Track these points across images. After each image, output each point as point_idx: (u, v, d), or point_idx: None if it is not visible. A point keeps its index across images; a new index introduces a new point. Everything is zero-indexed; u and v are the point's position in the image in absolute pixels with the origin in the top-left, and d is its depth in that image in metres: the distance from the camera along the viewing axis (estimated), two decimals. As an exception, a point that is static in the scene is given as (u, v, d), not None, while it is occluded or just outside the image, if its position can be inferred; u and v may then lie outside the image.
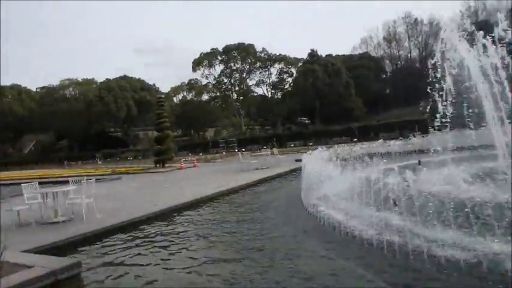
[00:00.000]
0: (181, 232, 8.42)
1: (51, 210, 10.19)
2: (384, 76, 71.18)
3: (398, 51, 70.21)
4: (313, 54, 61.56)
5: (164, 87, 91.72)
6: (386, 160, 10.04)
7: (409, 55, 69.69)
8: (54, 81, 73.35)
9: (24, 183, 10.79)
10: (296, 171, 17.91)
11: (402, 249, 5.49)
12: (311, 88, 57.19)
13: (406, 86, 58.49)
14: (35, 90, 77.64)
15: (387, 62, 71.37)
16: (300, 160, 18.83)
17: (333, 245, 6.53)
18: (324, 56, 62.67)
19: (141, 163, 38.10)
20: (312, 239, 7.20)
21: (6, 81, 76.73)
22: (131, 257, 6.86)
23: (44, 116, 68.75)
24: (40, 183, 11.76)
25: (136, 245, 7.69)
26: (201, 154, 45.48)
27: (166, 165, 30.15)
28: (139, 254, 7.03)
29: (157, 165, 30.59)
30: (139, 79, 71.54)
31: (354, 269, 5.44)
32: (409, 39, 67.99)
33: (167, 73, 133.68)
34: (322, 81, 57.12)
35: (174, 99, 75.01)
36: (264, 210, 10.12)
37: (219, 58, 63.98)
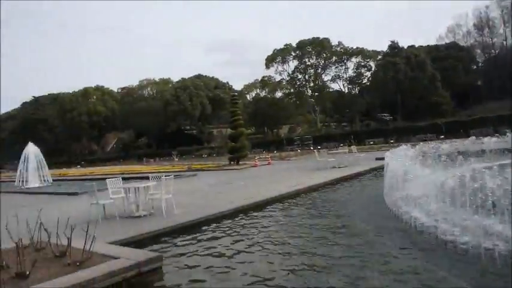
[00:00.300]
0: (258, 228, 8.50)
1: (133, 205, 10.90)
2: (475, 67, 65.73)
3: (492, 38, 64.36)
4: (393, 46, 58.82)
5: (237, 85, 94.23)
6: (479, 158, 9.25)
7: (504, 43, 63.59)
8: (134, 82, 78.68)
9: (108, 178, 11.63)
10: (376, 170, 17.32)
11: (505, 258, 4.98)
12: (392, 82, 54.70)
13: (501, 77, 53.42)
14: (116, 90, 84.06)
15: (478, 51, 65.75)
16: (381, 158, 18.17)
17: (425, 253, 6.11)
18: (405, 47, 59.59)
19: (215, 160, 39.35)
20: (397, 241, 6.84)
21: (91, 83, 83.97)
22: (208, 251, 7.05)
23: (124, 115, 74.07)
24: (123, 178, 12.59)
25: (214, 239, 7.91)
26: (275, 152, 45.82)
27: (240, 162, 30.77)
28: (216, 248, 7.21)
29: (232, 162, 31.32)
30: (213, 77, 74.02)
31: (454, 281, 4.99)
32: (504, 25, 62.04)
33: (240, 71, 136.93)
34: (404, 74, 54.33)
35: (247, 96, 76.48)
36: (344, 210, 9.88)
37: (293, 54, 63.73)
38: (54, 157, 64.70)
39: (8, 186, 30.05)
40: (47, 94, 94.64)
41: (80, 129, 76.95)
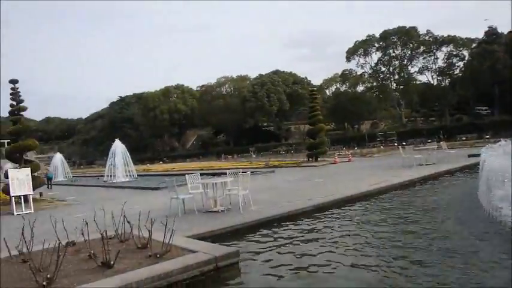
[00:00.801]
0: (336, 228, 8.22)
1: (211, 200, 11.19)
2: None
3: None
4: (491, 32, 53.82)
5: (316, 80, 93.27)
6: None
7: None
8: (212, 80, 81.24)
9: (187, 174, 12.06)
10: (470, 168, 16.04)
11: None
12: (488, 72, 50.19)
13: None
14: (195, 89, 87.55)
15: None
16: (475, 155, 16.76)
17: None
18: (505, 33, 54.19)
19: (293, 157, 39.27)
20: (501, 248, 6.17)
21: (172, 82, 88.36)
22: (286, 249, 6.94)
23: (203, 113, 76.87)
24: (201, 174, 13.00)
25: (292, 237, 7.80)
26: (355, 148, 44.50)
27: (319, 159, 30.36)
28: (295, 246, 7.08)
29: (310, 159, 31.01)
30: (290, 73, 73.91)
31: None
32: None
33: (319, 65, 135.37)
34: (503, 63, 49.53)
35: (327, 91, 75.15)
36: (435, 211, 9.21)
37: (376, 45, 61.08)
38: (138, 153, 69.31)
39: (98, 181, 32.78)
40: (131, 94, 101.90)
41: (162, 126, 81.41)
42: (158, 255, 5.90)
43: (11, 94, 17.54)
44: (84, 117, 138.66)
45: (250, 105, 66.87)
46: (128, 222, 6.76)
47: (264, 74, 72.73)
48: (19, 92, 17.56)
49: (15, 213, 14.33)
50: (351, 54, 62.23)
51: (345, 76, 66.76)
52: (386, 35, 59.41)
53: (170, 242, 6.08)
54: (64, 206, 16.03)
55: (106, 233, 6.24)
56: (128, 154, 31.59)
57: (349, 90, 66.84)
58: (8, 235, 9.88)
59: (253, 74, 77.11)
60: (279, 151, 56.02)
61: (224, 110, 71.12)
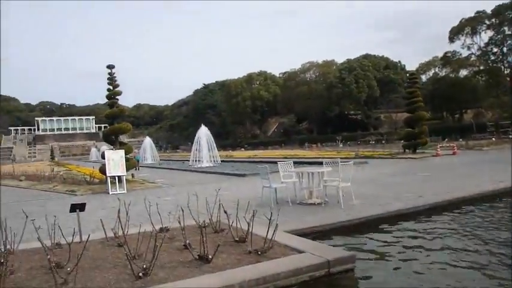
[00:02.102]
0: (462, 234, 7.01)
1: (305, 191, 10.45)
2: None
3: None
4: None
5: (408, 65, 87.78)
6: None
7: None
8: (296, 66, 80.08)
9: (271, 161, 11.42)
10: None
11: None
12: None
13: None
14: (278, 75, 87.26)
15: None
16: None
17: None
18: None
19: (384, 148, 37.18)
20: None
21: (255, 69, 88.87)
22: (406, 255, 5.97)
23: (286, 100, 76.29)
24: (296, 163, 12.30)
25: (412, 238, 6.81)
26: (460, 140, 40.70)
27: (417, 150, 28.29)
28: (418, 253, 6.07)
29: (407, 150, 28.98)
30: (382, 57, 70.26)
31: None
32: None
33: (410, 49, 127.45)
34: None
35: (423, 77, 70.06)
36: None
37: (487, 23, 54.77)
38: (220, 140, 70.83)
39: (183, 165, 33.75)
40: (214, 82, 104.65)
41: (244, 113, 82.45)
42: (259, 252, 5.29)
43: (108, 79, 18.54)
44: (170, 104, 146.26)
45: (337, 92, 64.72)
46: (225, 212, 6.24)
47: (352, 58, 69.96)
48: (115, 76, 18.50)
49: (110, 193, 14.91)
50: (454, 34, 56.48)
51: (446, 59, 60.96)
52: (500, 10, 52.88)
53: (273, 238, 5.44)
54: (154, 188, 16.37)
55: (204, 222, 5.77)
56: (213, 139, 32.03)
57: (451, 75, 61.35)
58: (104, 215, 10.06)
59: (339, 59, 74.73)
60: (368, 141, 53.70)
61: (308, 96, 69.84)
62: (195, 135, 32.80)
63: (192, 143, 33.14)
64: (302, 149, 51.77)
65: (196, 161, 31.28)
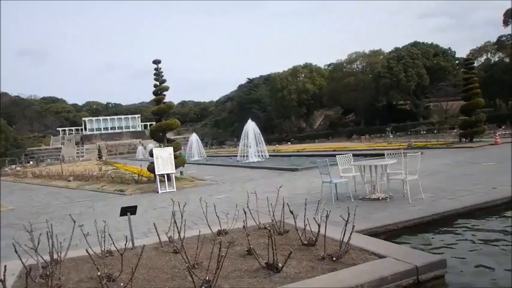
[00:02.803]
0: None
1: (367, 185, 9.66)
2: None
3: None
4: None
5: (459, 52, 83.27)
6: None
7: None
8: (342, 57, 77.92)
9: (335, 155, 10.69)
10: None
11: None
12: None
13: None
14: (323, 67, 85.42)
15: None
16: None
17: None
18: None
19: (437, 137, 35.19)
20: None
21: (300, 61, 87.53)
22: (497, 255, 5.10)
23: (332, 92, 74.51)
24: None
25: (497, 235, 5.91)
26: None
27: (474, 139, 26.52)
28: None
29: (463, 139, 27.21)
30: (431, 44, 66.84)
31: None
32: None
33: (461, 35, 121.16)
34: None
35: (474, 63, 66.18)
36: None
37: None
38: (266, 134, 70.09)
39: (231, 161, 33.49)
40: (258, 76, 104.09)
41: (290, 107, 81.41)
42: (334, 258, 4.62)
43: (154, 75, 18.12)
44: (215, 100, 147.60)
45: (385, 82, 62.28)
46: (291, 212, 5.59)
47: (400, 47, 67.07)
48: (161, 72, 18.02)
49: (159, 192, 14.65)
50: (510, 16, 53.16)
51: (501, 43, 57.47)
52: None
53: (349, 241, 4.76)
54: (204, 185, 16.02)
55: (269, 223, 5.17)
56: (260, 134, 31.50)
57: (506, 60, 57.60)
58: (155, 215, 9.77)
59: (387, 48, 71.93)
60: (418, 131, 51.28)
61: (355, 88, 67.84)
62: (240, 131, 32.37)
63: (238, 139, 32.71)
64: (351, 142, 50.33)
65: (243, 156, 30.88)
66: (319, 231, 5.14)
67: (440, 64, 63.17)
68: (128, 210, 5.94)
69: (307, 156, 29.56)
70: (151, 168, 17.60)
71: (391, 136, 49.57)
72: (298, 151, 36.92)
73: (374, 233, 6.24)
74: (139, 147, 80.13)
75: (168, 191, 14.74)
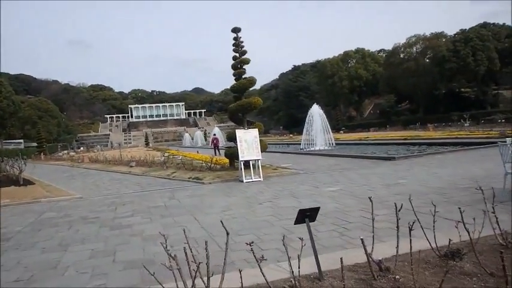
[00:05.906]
0: None
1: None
2: None
3: None
4: None
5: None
6: None
7: None
8: (401, 40, 73.35)
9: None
10: None
11: None
12: None
13: None
14: (378, 52, 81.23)
15: None
16: None
17: None
18: None
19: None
20: None
21: (352, 47, 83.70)
22: None
23: (387, 78, 70.36)
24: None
25: None
26: None
27: None
28: None
29: None
30: (503, 25, 61.52)
31: None
32: None
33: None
34: None
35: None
36: None
37: None
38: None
39: (292, 148, 31.35)
40: (301, 64, 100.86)
41: (340, 94, 78.09)
42: None
43: (233, 45, 15.70)
44: (257, 88, 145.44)
45: (450, 67, 57.57)
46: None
47: (467, 28, 62.04)
48: (242, 42, 15.52)
49: (244, 181, 12.68)
50: None
51: None
52: None
53: None
54: (290, 174, 13.90)
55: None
56: (326, 120, 29.12)
57: None
58: (272, 212, 7.26)
59: (450, 31, 66.97)
60: (494, 119, 46.95)
61: (414, 73, 63.35)
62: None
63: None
64: (413, 131, 46.93)
65: (308, 144, 28.58)
66: None
67: (514, 47, 58.06)
68: (307, 214, 3.82)
69: (377, 145, 26.94)
70: (228, 154, 15.71)
71: (467, 124, 45.58)
72: (361, 139, 34.20)
73: None
74: (186, 135, 79.69)
75: (254, 180, 12.73)
